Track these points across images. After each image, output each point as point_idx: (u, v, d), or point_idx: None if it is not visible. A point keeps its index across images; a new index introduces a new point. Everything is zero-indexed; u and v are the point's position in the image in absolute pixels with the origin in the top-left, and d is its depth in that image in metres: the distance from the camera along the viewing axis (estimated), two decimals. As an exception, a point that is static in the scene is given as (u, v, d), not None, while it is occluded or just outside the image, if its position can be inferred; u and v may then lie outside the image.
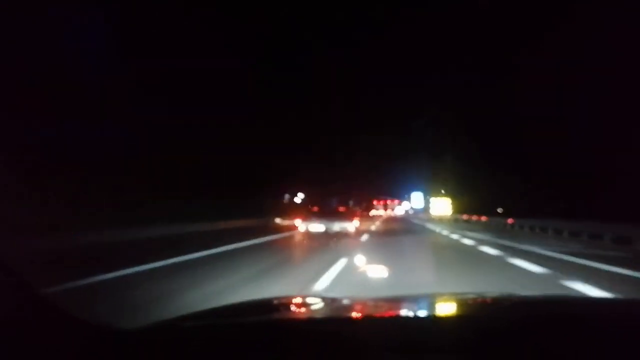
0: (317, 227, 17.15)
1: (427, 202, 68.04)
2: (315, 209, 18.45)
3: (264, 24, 36.93)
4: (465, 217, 32.89)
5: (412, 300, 2.14)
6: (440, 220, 35.35)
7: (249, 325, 1.44)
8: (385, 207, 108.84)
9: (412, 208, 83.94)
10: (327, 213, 17.71)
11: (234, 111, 26.44)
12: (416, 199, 76.30)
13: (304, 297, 2.83)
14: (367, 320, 1.54)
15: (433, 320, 1.55)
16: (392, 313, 1.77)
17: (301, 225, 17.45)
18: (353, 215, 18.39)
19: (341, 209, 18.21)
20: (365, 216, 59.49)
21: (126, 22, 19.51)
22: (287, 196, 27.81)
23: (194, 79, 22.89)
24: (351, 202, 19.24)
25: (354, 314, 1.77)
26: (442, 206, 47.17)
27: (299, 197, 27.32)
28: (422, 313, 1.79)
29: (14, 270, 1.24)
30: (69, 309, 1.27)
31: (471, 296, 2.40)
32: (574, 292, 5.63)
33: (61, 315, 1.26)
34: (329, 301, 1.99)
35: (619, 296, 5.30)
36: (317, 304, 2.03)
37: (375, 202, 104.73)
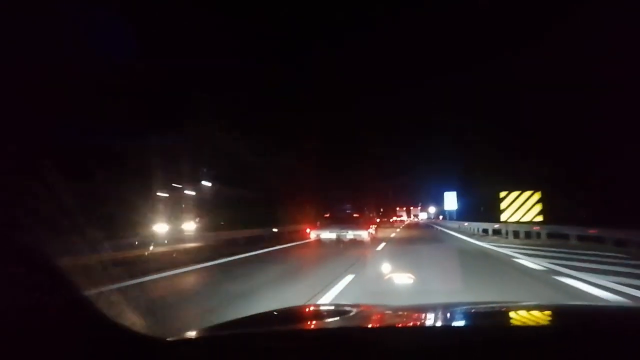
0: (329, 235, 16.03)
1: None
2: (327, 215, 17.28)
3: (265, 25, 36.38)
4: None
5: (435, 309, 2.09)
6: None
7: (285, 334, 1.50)
8: (409, 214, 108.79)
9: (443, 211, 61.19)
10: (340, 220, 16.54)
11: (244, 113, 25.80)
12: (449, 200, 55.65)
13: (330, 306, 2.88)
14: (396, 330, 1.57)
15: (448, 330, 1.56)
16: (415, 322, 1.77)
17: (312, 233, 16.33)
18: (369, 222, 17.14)
19: (355, 215, 16.97)
20: (385, 222, 58.10)
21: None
22: (303, 204, 27.27)
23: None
24: (367, 208, 17.89)
25: (385, 323, 1.81)
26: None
27: (315, 205, 26.29)
28: (448, 323, 1.78)
29: (58, 271, 1.26)
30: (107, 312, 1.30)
31: (495, 305, 2.33)
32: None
33: (100, 320, 1.28)
34: (357, 310, 2.00)
35: None
36: (344, 312, 2.01)
37: (397, 209, 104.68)
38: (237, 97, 26.42)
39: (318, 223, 16.75)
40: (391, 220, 70.55)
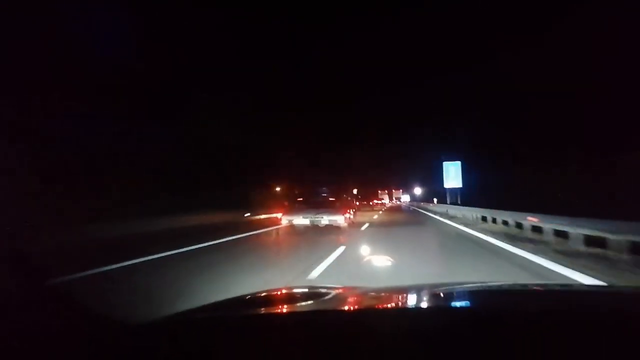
0: (302, 220, 14.57)
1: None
2: (301, 199, 15.75)
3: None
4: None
5: (413, 290, 2.03)
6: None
7: (259, 317, 1.45)
8: (390, 197, 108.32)
9: (446, 191, 43.83)
10: (314, 204, 15.05)
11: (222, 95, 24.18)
12: (452, 174, 41.71)
13: (311, 288, 2.84)
14: (373, 310, 1.54)
15: (433, 310, 1.54)
16: (394, 303, 1.74)
17: (284, 219, 14.82)
18: (346, 207, 15.67)
19: (331, 199, 15.47)
20: (365, 206, 56.95)
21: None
22: (275, 187, 25.44)
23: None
24: (345, 192, 16.34)
25: (367, 305, 1.78)
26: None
27: (286, 188, 24.54)
28: (425, 303, 1.76)
29: (28, 259, 1.88)
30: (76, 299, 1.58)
31: (474, 285, 2.27)
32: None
33: (71, 305, 1.40)
34: (335, 291, 1.95)
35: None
36: (323, 293, 1.95)
37: (379, 191, 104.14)
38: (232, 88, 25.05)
39: (290, 208, 15.22)
40: (371, 203, 69.47)
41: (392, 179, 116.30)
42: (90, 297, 4.63)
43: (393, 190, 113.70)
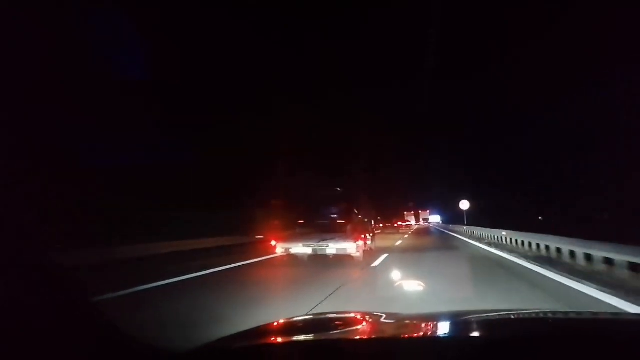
0: (302, 249, 11.15)
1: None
2: (302, 221, 12.30)
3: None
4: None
5: (440, 318, 2.09)
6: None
7: (299, 345, 1.49)
8: (417, 218, 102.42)
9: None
10: (319, 227, 11.63)
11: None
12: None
13: (347, 314, 2.56)
14: (406, 341, 1.53)
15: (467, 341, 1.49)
16: (426, 333, 1.70)
17: (279, 247, 11.41)
18: (361, 231, 12.12)
19: (341, 221, 11.98)
20: (389, 228, 52.53)
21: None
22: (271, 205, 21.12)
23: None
24: (360, 211, 12.65)
25: (395, 333, 1.78)
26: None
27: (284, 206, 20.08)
28: (463, 333, 1.71)
29: (67, 277, 1.31)
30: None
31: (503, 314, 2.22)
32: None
33: (110, 330, 1.32)
34: (372, 318, 2.02)
35: None
36: (360, 320, 2.02)
37: (405, 213, 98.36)
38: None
39: (288, 232, 11.81)
40: (396, 225, 63.54)
41: (419, 198, 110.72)
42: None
43: (420, 211, 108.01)
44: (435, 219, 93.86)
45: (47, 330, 1.13)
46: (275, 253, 11.53)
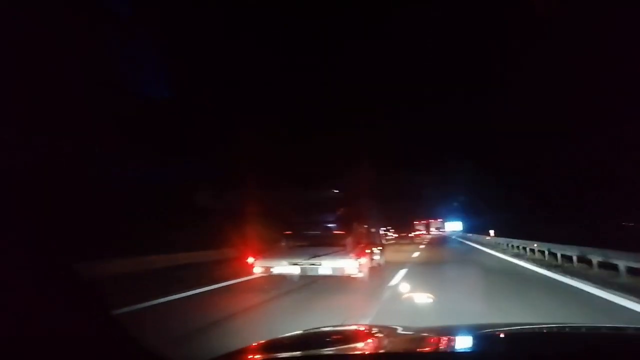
0: (286, 268, 8.41)
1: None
2: (289, 232, 9.51)
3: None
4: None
5: (457, 331, 2.07)
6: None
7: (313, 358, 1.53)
8: (427, 228, 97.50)
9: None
10: (310, 240, 8.91)
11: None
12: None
13: (369, 327, 2.55)
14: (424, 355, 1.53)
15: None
16: (444, 347, 1.66)
17: (258, 265, 8.65)
18: (364, 244, 9.26)
19: (338, 231, 9.16)
20: (404, 238, 49.21)
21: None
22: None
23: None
24: (361, 219, 9.84)
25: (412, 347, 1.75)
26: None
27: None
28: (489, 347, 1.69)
29: (91, 289, 1.54)
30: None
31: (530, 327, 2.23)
32: None
33: (130, 345, 1.48)
34: (390, 331, 2.01)
35: None
36: (380, 334, 1.98)
37: (416, 222, 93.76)
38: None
39: (269, 246, 9.09)
40: (410, 235, 60.04)
41: (431, 206, 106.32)
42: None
43: (431, 220, 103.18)
44: (453, 226, 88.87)
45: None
46: (252, 274, 8.77)
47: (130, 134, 14.43)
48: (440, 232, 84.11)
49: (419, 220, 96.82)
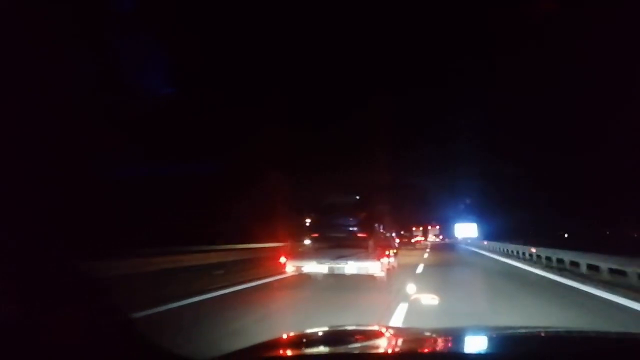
0: (316, 267, 9.47)
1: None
2: (316, 234, 10.60)
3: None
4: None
5: (464, 332, 2.14)
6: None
7: (318, 358, 1.56)
8: (425, 234, 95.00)
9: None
10: (335, 241, 9.97)
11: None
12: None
13: (380, 327, 2.70)
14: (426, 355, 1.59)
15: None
16: (449, 348, 1.77)
17: (289, 264, 9.74)
18: (384, 246, 10.39)
19: (361, 234, 10.28)
20: (407, 243, 49.80)
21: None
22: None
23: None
24: (380, 224, 10.92)
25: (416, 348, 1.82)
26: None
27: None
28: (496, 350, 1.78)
29: (105, 293, 2.24)
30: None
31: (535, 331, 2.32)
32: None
33: (141, 342, 1.64)
34: (392, 332, 2.17)
35: None
36: (386, 335, 2.08)
37: (414, 228, 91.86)
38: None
39: (299, 247, 10.16)
40: (412, 240, 60.42)
41: (431, 212, 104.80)
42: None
43: (429, 227, 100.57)
44: (465, 230, 76.80)
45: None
46: (285, 272, 9.87)
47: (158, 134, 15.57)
48: (438, 240, 79.25)
49: (417, 226, 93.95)
